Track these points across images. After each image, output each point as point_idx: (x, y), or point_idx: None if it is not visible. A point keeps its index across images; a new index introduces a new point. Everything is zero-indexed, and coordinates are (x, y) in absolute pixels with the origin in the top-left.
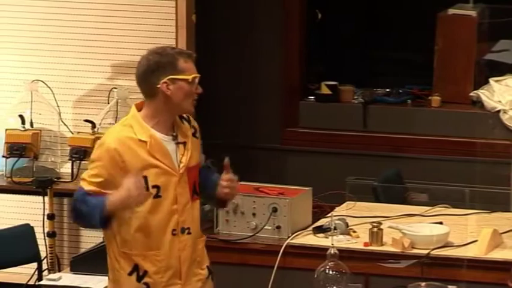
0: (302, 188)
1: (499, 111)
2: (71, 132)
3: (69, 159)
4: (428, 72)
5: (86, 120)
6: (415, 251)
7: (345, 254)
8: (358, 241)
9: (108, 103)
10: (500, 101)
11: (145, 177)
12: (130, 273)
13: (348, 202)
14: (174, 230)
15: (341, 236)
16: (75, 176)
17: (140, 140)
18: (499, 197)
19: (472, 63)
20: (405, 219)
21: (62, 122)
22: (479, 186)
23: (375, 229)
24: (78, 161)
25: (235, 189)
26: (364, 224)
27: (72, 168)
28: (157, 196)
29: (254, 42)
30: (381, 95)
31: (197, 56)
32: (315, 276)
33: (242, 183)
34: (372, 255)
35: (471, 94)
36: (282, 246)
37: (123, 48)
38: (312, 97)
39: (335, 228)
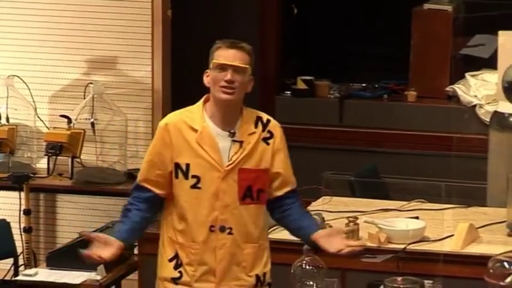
0: None
1: (475, 105)
2: (46, 127)
3: (45, 155)
4: (404, 67)
5: (62, 116)
6: (391, 245)
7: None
8: None
9: (84, 98)
10: (476, 96)
11: (187, 165)
12: (170, 260)
13: (324, 197)
14: (212, 226)
15: None
16: (51, 171)
17: (193, 127)
18: (475, 192)
19: (448, 58)
20: (381, 213)
21: (38, 117)
22: (455, 181)
23: (351, 224)
24: (54, 156)
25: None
26: (340, 219)
27: (48, 164)
28: (195, 187)
29: (230, 37)
30: (357, 90)
31: (172, 51)
32: (292, 271)
33: None
34: None
35: (447, 89)
36: None
37: (99, 43)
38: (288, 92)
39: None
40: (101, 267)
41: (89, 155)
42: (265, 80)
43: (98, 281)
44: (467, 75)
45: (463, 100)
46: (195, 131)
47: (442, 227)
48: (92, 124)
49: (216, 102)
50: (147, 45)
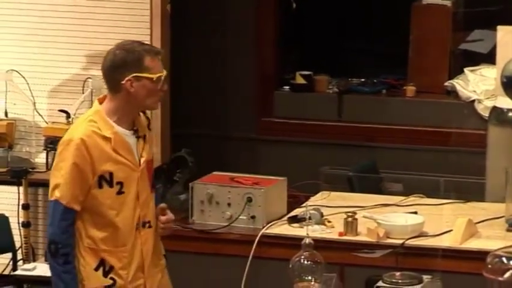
0: (277, 178)
1: (473, 101)
2: (45, 122)
3: (44, 149)
4: (403, 62)
5: (61, 110)
6: (389, 240)
7: (320, 244)
8: (333, 231)
9: (83, 93)
10: (475, 91)
11: (110, 173)
12: (96, 269)
13: (322, 192)
14: (136, 224)
15: (316, 226)
16: (50, 166)
17: (104, 136)
18: (474, 187)
19: (447, 53)
20: (380, 209)
21: (37, 112)
22: (454, 176)
23: (350, 219)
24: (53, 151)
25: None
26: (339, 214)
27: (47, 158)
28: (120, 192)
29: (229, 31)
30: (355, 85)
31: (171, 45)
32: (290, 266)
33: (217, 173)
34: (346, 245)
35: (446, 84)
36: (257, 236)
37: (97, 38)
38: (287, 87)
39: (310, 218)
40: None
41: None
42: (263, 75)
43: None
44: (466, 70)
45: (462, 95)
46: (107, 139)
47: (441, 222)
48: None
49: (135, 108)
50: (146, 40)
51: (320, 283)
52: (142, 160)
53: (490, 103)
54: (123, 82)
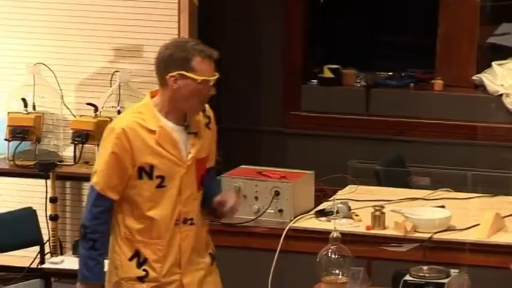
0: (304, 171)
1: (501, 94)
2: (73, 115)
3: (72, 143)
4: (431, 55)
5: (89, 104)
6: (417, 234)
7: (347, 238)
8: (361, 225)
9: (111, 86)
10: (502, 85)
11: (151, 166)
12: (131, 259)
13: (350, 186)
14: (176, 220)
15: (343, 220)
16: (77, 159)
17: (149, 129)
18: (501, 181)
19: (475, 47)
20: (407, 202)
21: (65, 105)
22: (481, 170)
23: (377, 213)
24: (80, 144)
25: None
26: (366, 208)
27: (75, 152)
28: (161, 186)
29: (256, 25)
30: (383, 79)
31: (199, 39)
32: (317, 259)
33: (245, 166)
34: (374, 239)
35: (474, 78)
36: (284, 229)
37: (125, 31)
38: (315, 80)
39: (337, 212)
40: None
41: None
42: (291, 69)
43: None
44: (493, 64)
45: (490, 89)
46: (152, 132)
47: (468, 216)
48: (119, 112)
49: (179, 106)
50: (174, 33)
51: (347, 277)
52: (190, 156)
53: None
54: (167, 77)
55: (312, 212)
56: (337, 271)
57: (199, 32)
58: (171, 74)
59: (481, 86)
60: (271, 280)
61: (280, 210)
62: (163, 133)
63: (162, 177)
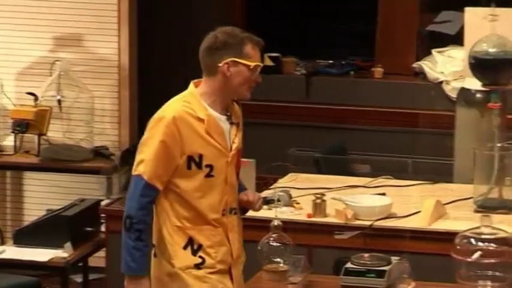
0: (245, 159)
1: (441, 82)
2: (13, 104)
3: (12, 132)
4: (371, 43)
5: (28, 93)
6: (358, 222)
7: (289, 226)
8: (302, 213)
9: (51, 75)
10: (442, 72)
11: (200, 155)
12: (185, 247)
13: (291, 174)
14: (223, 209)
15: (284, 208)
16: (17, 149)
17: (198, 117)
18: (442, 168)
19: (415, 35)
20: (348, 190)
21: (4, 94)
22: (422, 157)
23: (318, 200)
24: (20, 134)
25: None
26: (307, 196)
27: (15, 141)
28: (209, 175)
29: (196, 14)
30: (323, 67)
31: (139, 27)
32: (259, 247)
33: None
34: (315, 227)
35: (414, 65)
36: None
37: (65, 20)
38: None
39: (278, 200)
40: (68, 244)
41: (55, 132)
42: None
43: (65, 258)
44: (433, 51)
45: (430, 76)
46: (201, 120)
47: (409, 204)
48: (59, 101)
49: (228, 94)
50: (113, 21)
51: (289, 265)
52: (234, 146)
53: (457, 84)
54: (220, 65)
55: None
56: (278, 259)
57: (139, 21)
58: (225, 61)
59: (421, 74)
60: None
61: None
62: (212, 122)
63: (210, 167)
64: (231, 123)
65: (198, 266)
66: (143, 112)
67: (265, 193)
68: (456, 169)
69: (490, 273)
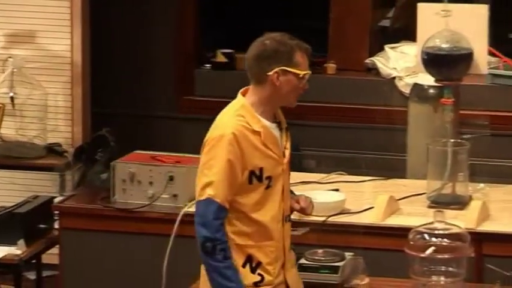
0: (199, 156)
1: (394, 78)
2: None
3: None
4: (323, 39)
5: None
6: (311, 218)
7: None
8: None
9: (3, 72)
10: (395, 68)
11: (260, 169)
12: (244, 265)
13: None
14: (281, 219)
15: None
16: None
17: (254, 130)
18: (395, 164)
19: (367, 30)
20: (301, 186)
21: None
22: (375, 153)
23: None
24: None
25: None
26: None
27: None
28: (268, 187)
29: (148, 8)
30: None
31: (91, 23)
32: None
33: (138, 152)
34: None
35: (366, 61)
36: (179, 214)
37: (17, 17)
38: (208, 65)
39: None
40: (21, 241)
41: (8, 129)
42: (184, 54)
43: (18, 255)
44: (386, 47)
45: (383, 72)
46: (257, 133)
47: (362, 199)
48: (11, 98)
49: (276, 102)
50: (67, 18)
51: None
52: (286, 152)
53: (410, 80)
54: (269, 73)
55: None
56: None
57: (91, 15)
58: (274, 70)
59: (373, 70)
60: (166, 265)
61: (175, 195)
62: (267, 133)
63: (269, 178)
64: (280, 129)
65: (256, 284)
66: (96, 109)
67: None
68: (409, 165)
69: (443, 268)
